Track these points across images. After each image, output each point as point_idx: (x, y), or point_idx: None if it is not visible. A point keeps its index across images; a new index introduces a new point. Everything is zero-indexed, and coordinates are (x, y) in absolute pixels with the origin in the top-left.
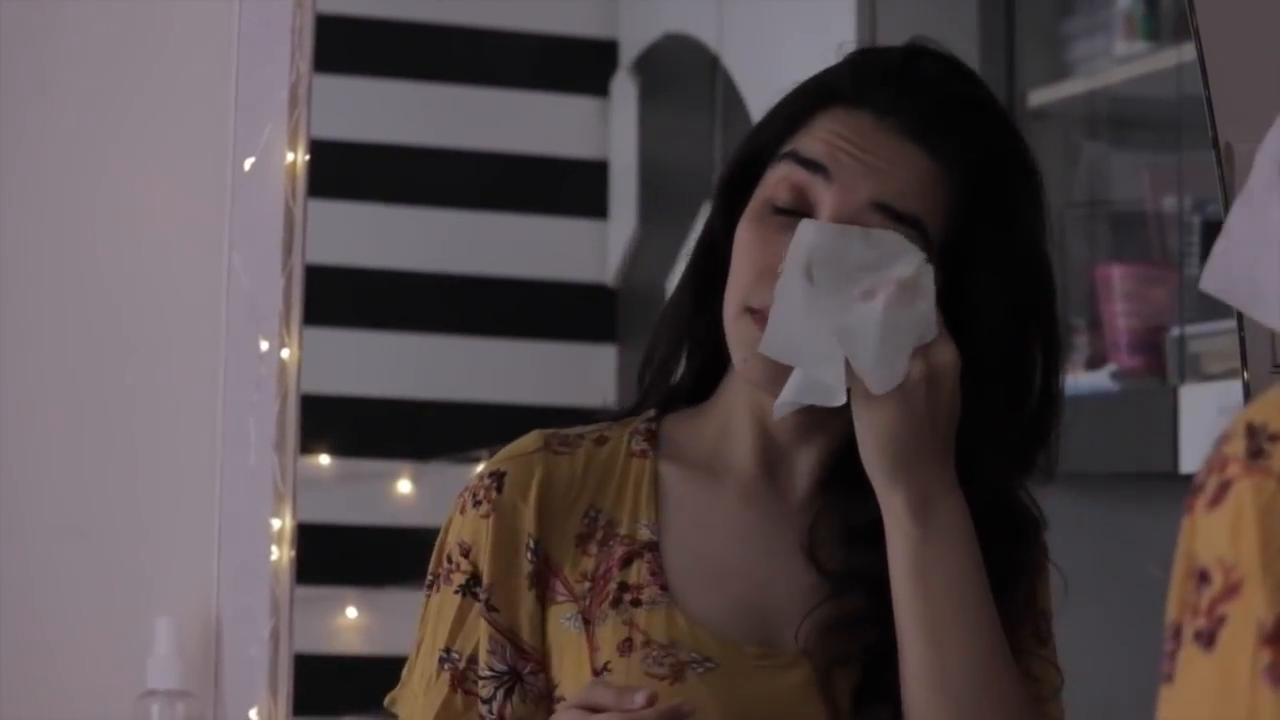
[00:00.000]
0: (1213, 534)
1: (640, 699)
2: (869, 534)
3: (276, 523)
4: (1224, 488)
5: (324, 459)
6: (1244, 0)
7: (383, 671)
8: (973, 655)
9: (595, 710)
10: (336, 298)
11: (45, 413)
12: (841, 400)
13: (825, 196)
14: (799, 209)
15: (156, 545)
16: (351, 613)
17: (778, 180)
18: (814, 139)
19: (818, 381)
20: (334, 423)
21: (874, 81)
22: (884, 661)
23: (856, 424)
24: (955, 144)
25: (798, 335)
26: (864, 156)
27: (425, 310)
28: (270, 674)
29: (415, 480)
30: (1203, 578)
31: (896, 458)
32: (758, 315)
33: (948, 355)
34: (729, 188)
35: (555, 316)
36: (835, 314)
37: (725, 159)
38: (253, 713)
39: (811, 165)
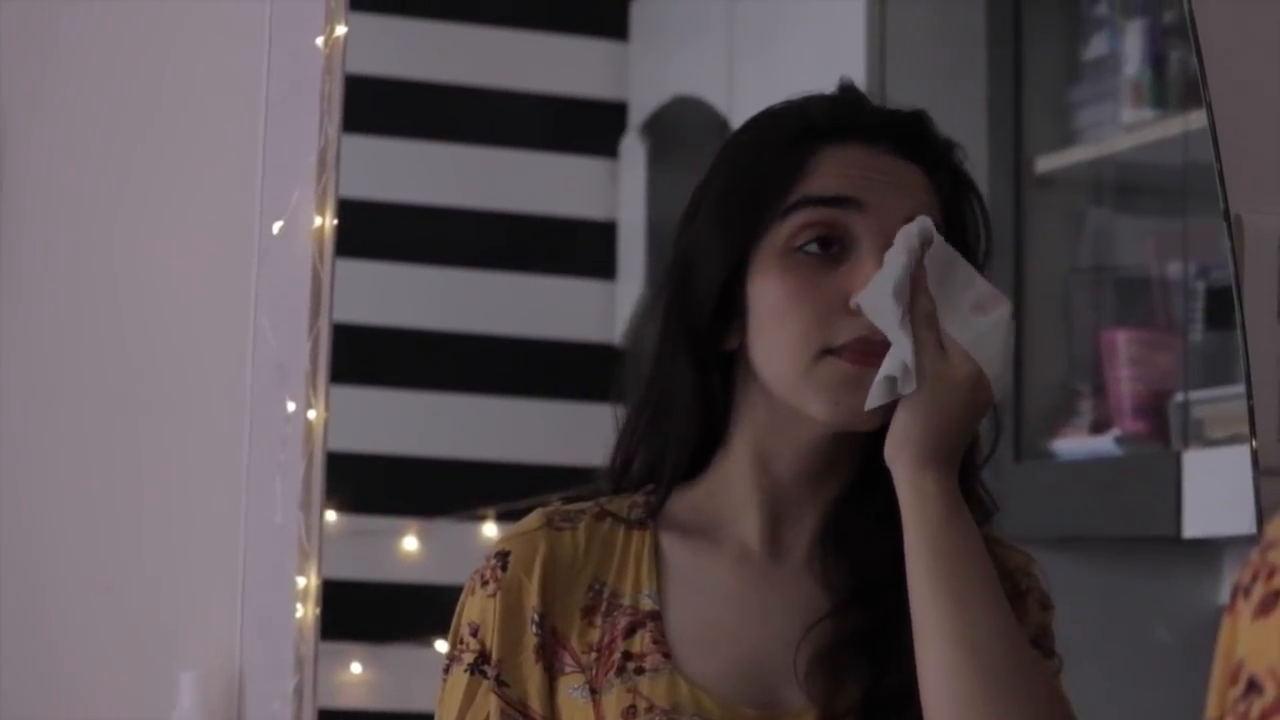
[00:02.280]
0: (1263, 643)
1: None
2: (876, 552)
3: (301, 580)
4: (1275, 597)
5: (331, 515)
6: (1253, 73)
7: None
8: (1001, 624)
9: None
10: (345, 356)
11: (74, 470)
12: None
13: (860, 225)
14: (831, 247)
15: (182, 601)
16: (356, 668)
17: (800, 227)
18: (825, 179)
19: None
20: (341, 479)
21: (848, 116)
22: (883, 687)
23: (915, 405)
24: (928, 150)
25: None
26: (882, 178)
27: (432, 369)
28: None
29: (421, 538)
30: (1251, 685)
31: (941, 445)
32: (847, 352)
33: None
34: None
35: (562, 376)
36: (955, 322)
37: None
38: None
39: (837, 201)
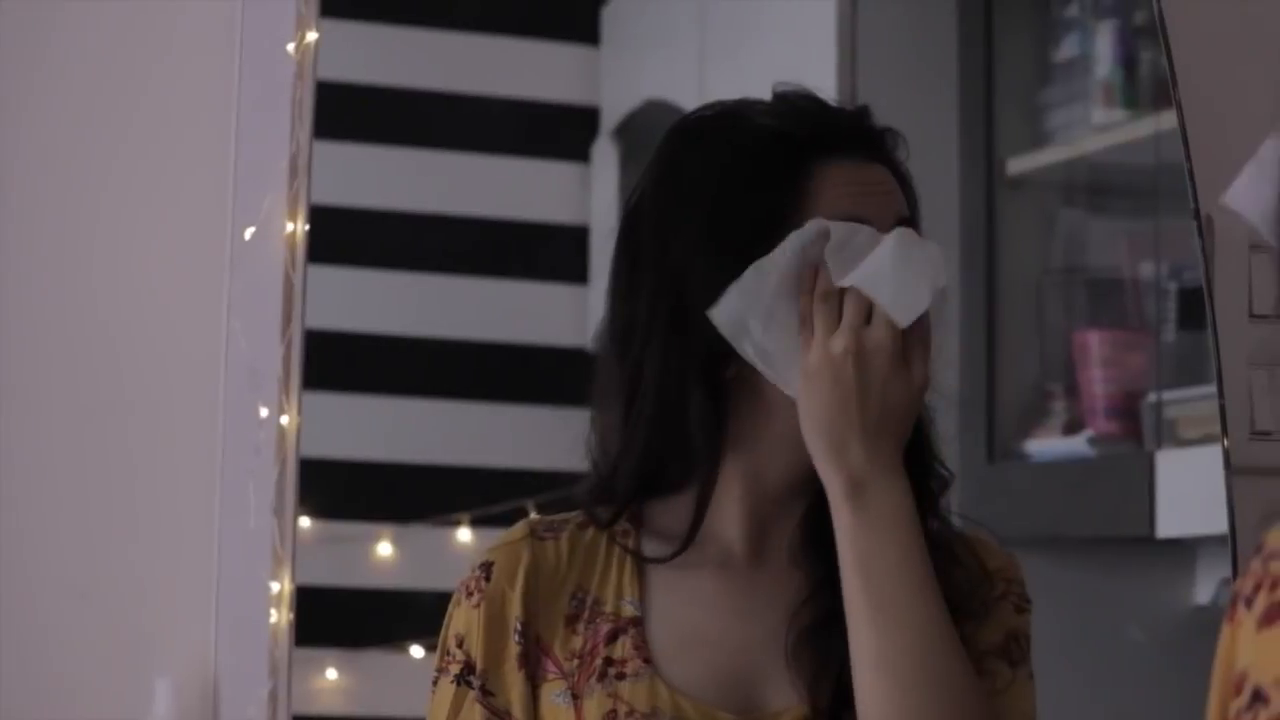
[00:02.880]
0: (1269, 654)
1: None
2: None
3: (275, 585)
4: (1278, 608)
5: (305, 521)
6: (1223, 74)
7: None
8: (915, 638)
9: None
10: (317, 361)
11: (48, 476)
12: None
13: None
14: None
15: (156, 607)
16: (332, 674)
17: None
18: (829, 200)
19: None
20: (315, 485)
21: (824, 129)
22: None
23: (799, 408)
24: (883, 146)
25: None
26: (873, 189)
27: (405, 374)
28: None
29: (395, 543)
30: (1257, 696)
31: (829, 439)
32: None
33: (879, 335)
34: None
35: (535, 381)
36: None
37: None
38: None
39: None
